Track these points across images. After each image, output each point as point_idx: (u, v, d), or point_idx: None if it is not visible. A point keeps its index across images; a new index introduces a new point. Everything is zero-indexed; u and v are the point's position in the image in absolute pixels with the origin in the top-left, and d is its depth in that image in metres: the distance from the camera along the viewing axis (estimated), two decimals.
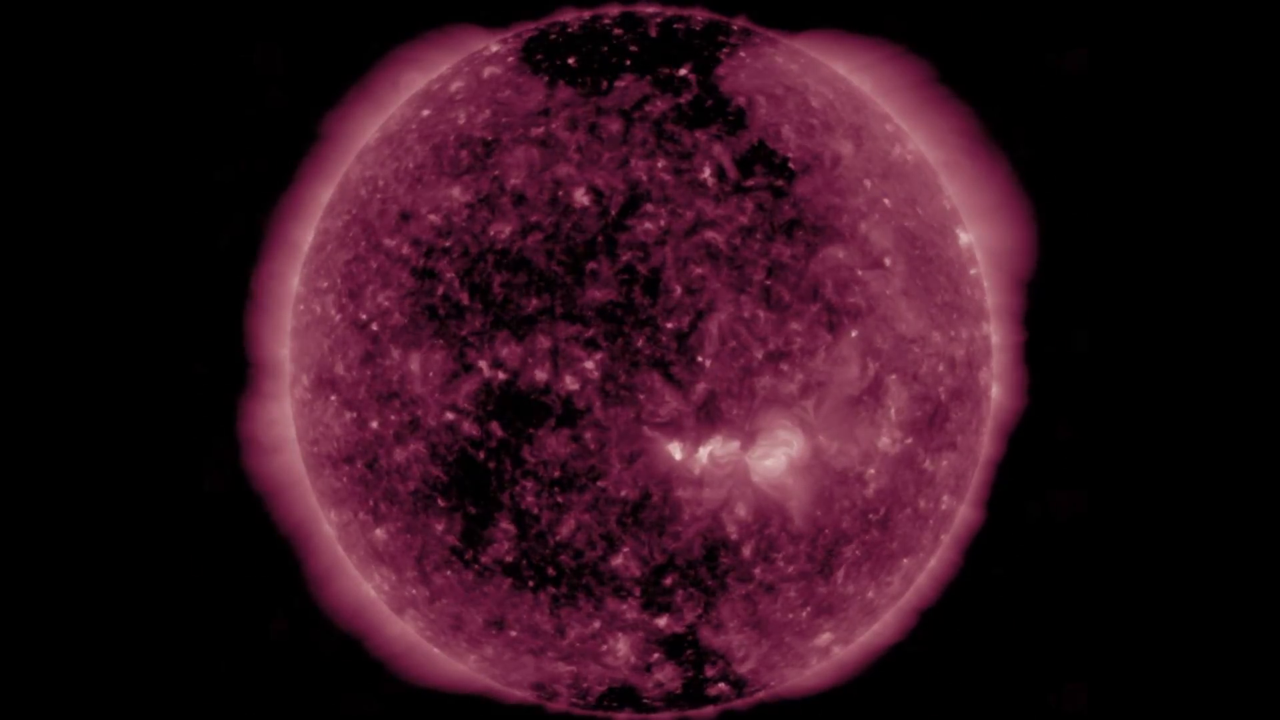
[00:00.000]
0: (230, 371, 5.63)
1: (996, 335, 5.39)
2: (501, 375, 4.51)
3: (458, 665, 5.42)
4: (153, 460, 5.70)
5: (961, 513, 5.43)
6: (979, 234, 5.43)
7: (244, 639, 5.77)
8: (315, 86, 5.74)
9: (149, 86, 5.73)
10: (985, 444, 5.40)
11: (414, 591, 4.96)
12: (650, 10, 5.21)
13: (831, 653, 5.33)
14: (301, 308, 5.11)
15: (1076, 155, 5.63)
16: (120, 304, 5.68)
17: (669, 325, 4.46)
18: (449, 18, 5.63)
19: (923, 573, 5.44)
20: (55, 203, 5.67)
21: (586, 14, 5.26)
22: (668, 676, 4.99)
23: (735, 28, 5.20)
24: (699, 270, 4.48)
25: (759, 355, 4.51)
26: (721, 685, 5.14)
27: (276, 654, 5.76)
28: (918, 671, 5.68)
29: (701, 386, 4.48)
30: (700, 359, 4.46)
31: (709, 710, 5.38)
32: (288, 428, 5.51)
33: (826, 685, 5.57)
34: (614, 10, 5.24)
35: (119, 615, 5.70)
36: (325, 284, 4.93)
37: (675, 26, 5.06)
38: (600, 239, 4.49)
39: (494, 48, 5.23)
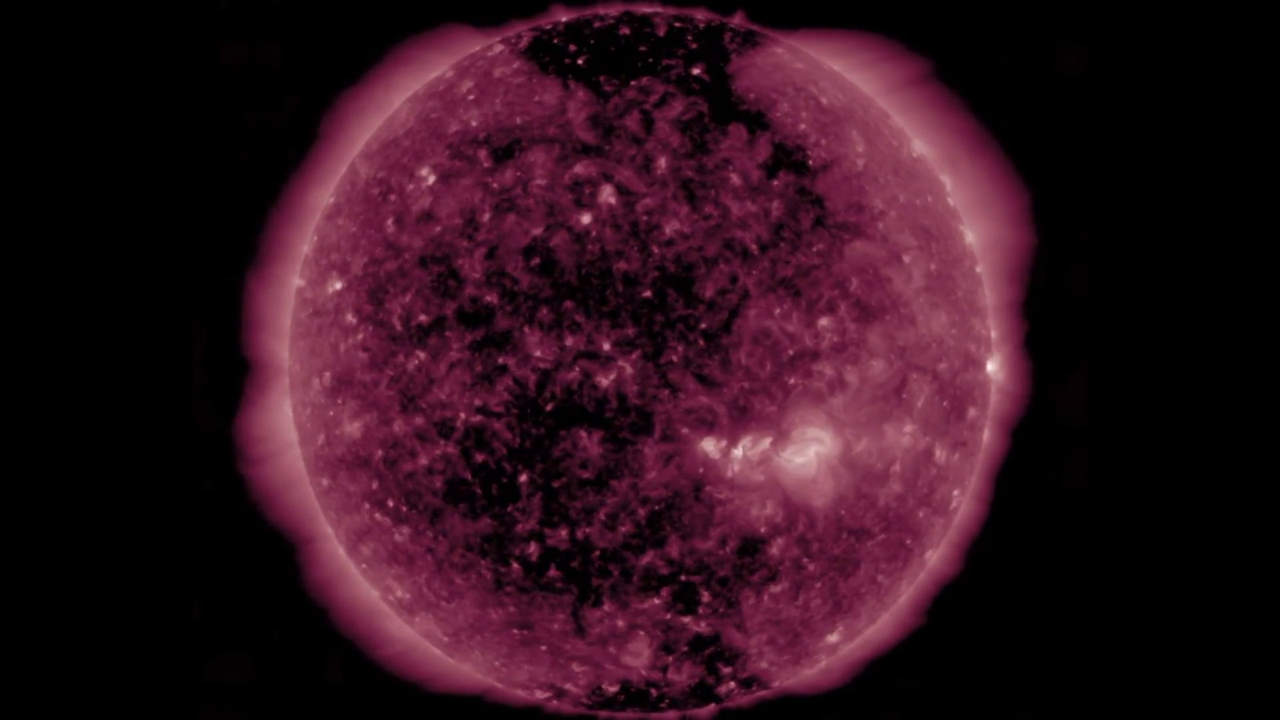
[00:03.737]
0: (227, 375, 5.59)
1: (998, 331, 5.44)
2: (532, 376, 4.49)
3: (464, 666, 5.40)
4: (151, 464, 5.64)
5: (965, 508, 5.47)
6: (978, 230, 5.48)
7: (246, 643, 5.73)
8: (307, 88, 5.71)
9: (143, 89, 5.67)
10: (990, 439, 5.45)
11: (432, 593, 4.94)
12: (649, 10, 5.20)
13: (837, 650, 5.36)
14: (311, 310, 5.07)
15: (1075, 150, 5.67)
16: (116, 306, 5.62)
17: (701, 324, 4.47)
18: (441, 18, 5.61)
19: (926, 569, 5.48)
20: (51, 205, 5.61)
21: (585, 13, 5.25)
22: (684, 675, 4.99)
23: (737, 27, 5.21)
24: (729, 269, 4.49)
25: (790, 353, 4.52)
26: (731, 684, 5.16)
27: (279, 658, 5.72)
28: (918, 669, 5.70)
29: (734, 385, 4.48)
30: (733, 357, 4.47)
31: (710, 709, 5.39)
32: (287, 430, 5.47)
33: (826, 682, 5.59)
34: (612, 10, 5.23)
35: (119, 619, 5.65)
36: (340, 285, 4.90)
37: (678, 25, 5.07)
38: (630, 238, 4.49)
39: (498, 48, 5.21)
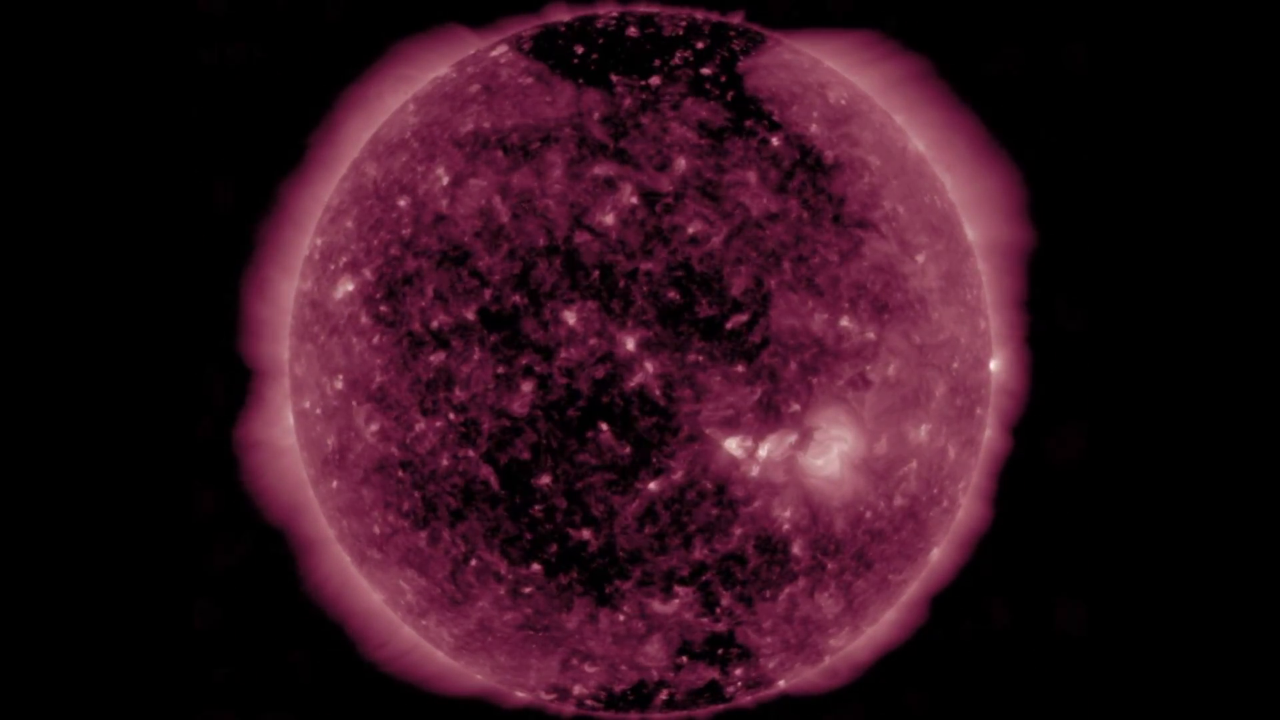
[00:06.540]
0: (227, 379, 5.57)
1: (999, 329, 5.47)
2: (556, 376, 4.49)
3: (470, 668, 5.39)
4: (151, 469, 5.62)
5: (967, 507, 5.50)
6: (977, 228, 5.51)
7: (246, 644, 5.71)
8: (304, 89, 5.69)
9: (139, 91, 5.64)
10: (994, 437, 5.48)
11: (445, 595, 4.92)
12: (649, 10, 5.21)
13: (842, 649, 5.38)
14: (319, 313, 5.04)
15: (1074, 148, 5.71)
16: (114, 310, 5.59)
17: (725, 324, 4.47)
18: (438, 18, 5.60)
19: (930, 567, 5.51)
20: (48, 209, 5.57)
21: (585, 14, 5.24)
22: (696, 676, 5.00)
23: (740, 26, 5.22)
24: (751, 269, 4.50)
25: (813, 353, 4.54)
26: (739, 684, 5.16)
27: (279, 660, 5.71)
28: (918, 667, 5.72)
29: (758, 385, 4.49)
30: (756, 357, 4.48)
31: (710, 709, 5.40)
32: (288, 434, 5.44)
33: (828, 682, 5.61)
34: (612, 10, 5.22)
35: (121, 621, 5.63)
36: (352, 287, 4.87)
37: (682, 25, 5.07)
38: (652, 239, 4.49)
39: (501, 48, 5.20)
